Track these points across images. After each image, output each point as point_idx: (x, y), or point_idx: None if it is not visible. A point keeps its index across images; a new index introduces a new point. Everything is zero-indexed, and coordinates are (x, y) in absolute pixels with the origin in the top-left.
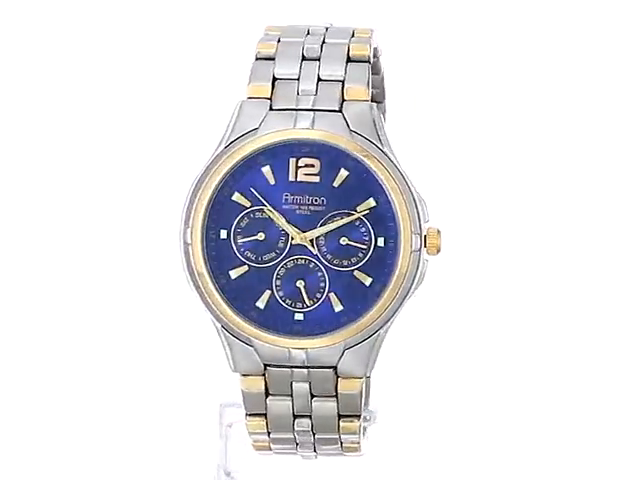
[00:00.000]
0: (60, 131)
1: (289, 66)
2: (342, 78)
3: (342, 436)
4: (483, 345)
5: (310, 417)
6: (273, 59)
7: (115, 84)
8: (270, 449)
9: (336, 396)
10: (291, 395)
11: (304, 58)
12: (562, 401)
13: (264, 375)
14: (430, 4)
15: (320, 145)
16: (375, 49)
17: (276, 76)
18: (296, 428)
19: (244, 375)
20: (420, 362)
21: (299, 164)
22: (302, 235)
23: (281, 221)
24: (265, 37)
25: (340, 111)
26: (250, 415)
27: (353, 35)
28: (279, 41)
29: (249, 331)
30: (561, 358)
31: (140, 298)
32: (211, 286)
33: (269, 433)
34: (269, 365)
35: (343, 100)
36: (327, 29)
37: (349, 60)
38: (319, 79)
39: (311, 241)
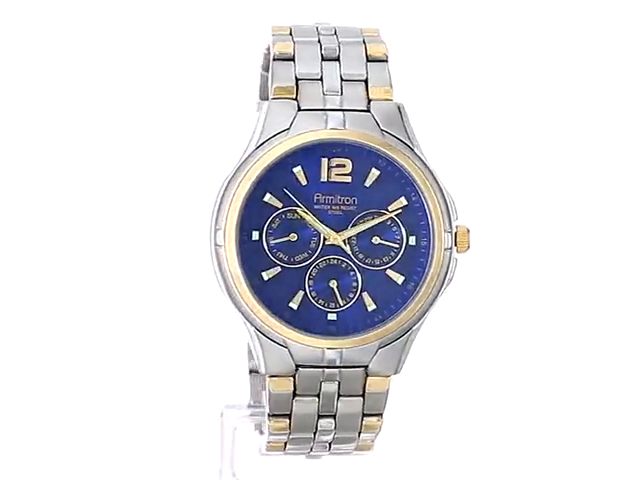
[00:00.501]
0: (64, 133)
1: (311, 66)
2: (364, 78)
3: (362, 434)
4: (495, 345)
5: (334, 416)
6: (292, 59)
7: (114, 85)
8: (284, 449)
9: (363, 395)
10: (318, 395)
11: (323, 58)
12: (580, 402)
13: (293, 376)
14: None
15: (351, 145)
16: None
17: (298, 77)
18: (319, 428)
19: (273, 376)
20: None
21: (331, 164)
22: (336, 235)
23: (314, 221)
24: (279, 37)
25: (368, 111)
26: (273, 416)
27: (362, 35)
28: (294, 41)
29: (284, 332)
30: (573, 357)
31: (144, 300)
32: (245, 288)
33: (289, 433)
34: (301, 366)
35: (369, 100)
36: (336, 29)
37: (368, 60)
38: (342, 79)
39: (344, 241)
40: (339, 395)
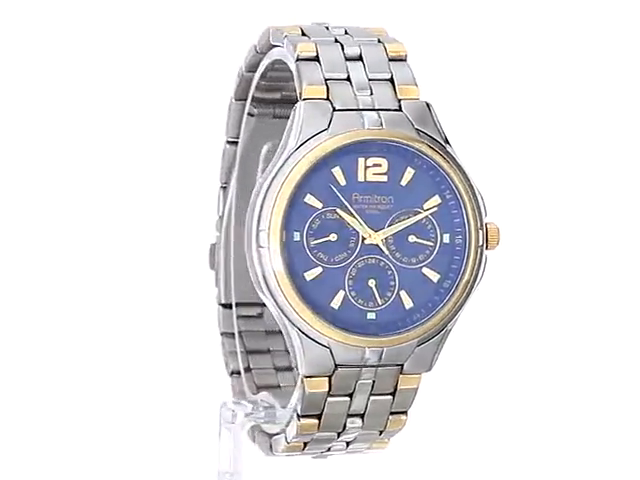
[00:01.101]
0: (51, 130)
1: (337, 66)
2: (389, 77)
3: (384, 432)
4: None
5: (362, 415)
6: (315, 60)
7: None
8: (302, 450)
9: (394, 392)
10: (351, 394)
11: (347, 58)
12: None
13: (329, 376)
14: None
15: (388, 144)
16: None
17: (326, 77)
18: (348, 427)
19: (309, 377)
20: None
21: (367, 164)
22: (375, 234)
23: (354, 221)
24: (296, 37)
25: (400, 110)
26: (304, 416)
27: (374, 35)
28: (313, 41)
29: (327, 332)
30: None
31: (140, 299)
32: (290, 289)
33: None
34: (340, 366)
35: (399, 99)
36: (346, 29)
37: (389, 59)
38: (369, 79)
39: (382, 240)
40: (371, 394)
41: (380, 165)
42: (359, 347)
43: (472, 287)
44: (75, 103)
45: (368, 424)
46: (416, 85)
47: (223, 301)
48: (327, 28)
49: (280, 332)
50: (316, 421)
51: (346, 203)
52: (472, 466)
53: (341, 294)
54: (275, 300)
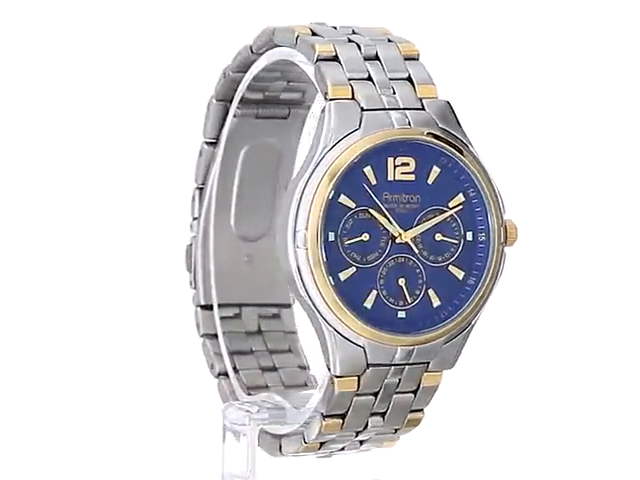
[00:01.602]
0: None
1: (357, 67)
2: (407, 76)
3: (400, 430)
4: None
5: (384, 414)
6: (335, 60)
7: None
8: (318, 449)
9: (416, 390)
10: (377, 393)
11: (365, 58)
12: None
13: (359, 375)
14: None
15: (415, 143)
16: None
17: (349, 77)
18: (369, 426)
19: (338, 376)
20: None
21: (396, 163)
22: (405, 233)
23: (386, 221)
24: (310, 38)
25: (424, 109)
26: (328, 416)
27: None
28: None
29: (362, 332)
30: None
31: (142, 299)
32: (328, 289)
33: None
34: (372, 365)
35: (420, 98)
36: (353, 29)
37: (404, 59)
38: (389, 79)
39: (412, 239)
40: (395, 392)
41: (408, 164)
42: (392, 346)
43: (494, 284)
44: (45, 99)
45: (388, 423)
46: (434, 84)
47: (203, 302)
48: (335, 28)
49: (259, 332)
50: (340, 421)
51: (378, 202)
52: (473, 465)
53: (374, 293)
54: (312, 300)
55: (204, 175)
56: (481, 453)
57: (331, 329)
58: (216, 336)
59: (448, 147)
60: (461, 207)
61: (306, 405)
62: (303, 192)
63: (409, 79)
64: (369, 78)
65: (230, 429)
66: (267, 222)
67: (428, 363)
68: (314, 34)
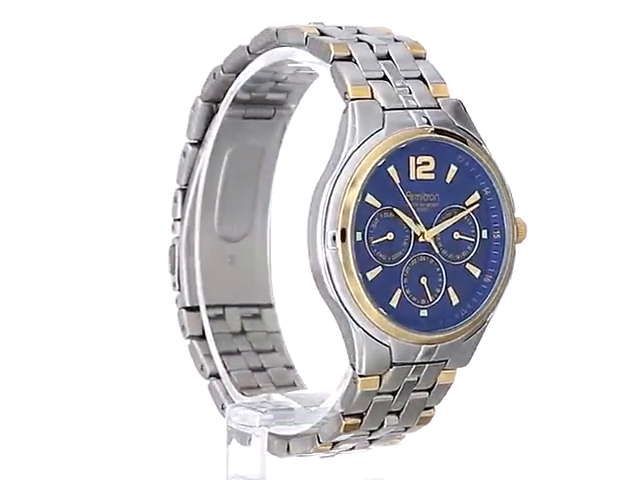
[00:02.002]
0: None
1: (373, 66)
2: (420, 75)
3: (411, 428)
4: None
5: (399, 412)
6: (350, 60)
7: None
8: (330, 449)
9: (431, 389)
10: (395, 392)
11: (378, 58)
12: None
13: (380, 374)
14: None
15: (435, 142)
16: None
17: (366, 76)
18: (385, 424)
19: (363, 376)
20: None
21: (417, 162)
22: (427, 232)
23: (408, 220)
24: (321, 38)
25: (440, 108)
26: (348, 416)
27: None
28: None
29: (390, 331)
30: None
31: (147, 300)
32: (358, 289)
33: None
34: (395, 364)
35: (435, 97)
36: (358, 28)
37: (414, 58)
38: (404, 78)
39: (433, 238)
40: (412, 390)
41: (428, 163)
42: (416, 345)
43: (508, 281)
44: (24, 98)
45: (402, 421)
46: (445, 82)
47: (188, 304)
48: (340, 27)
49: (243, 333)
50: (358, 420)
51: (402, 202)
52: (472, 464)
53: (398, 292)
54: (341, 300)
55: (188, 176)
56: (480, 452)
57: (359, 329)
58: (203, 337)
59: (466, 146)
60: (478, 205)
61: (320, 405)
62: (332, 192)
63: (421, 78)
64: (384, 77)
65: (236, 430)
66: (248, 222)
67: (446, 361)
68: (322, 34)
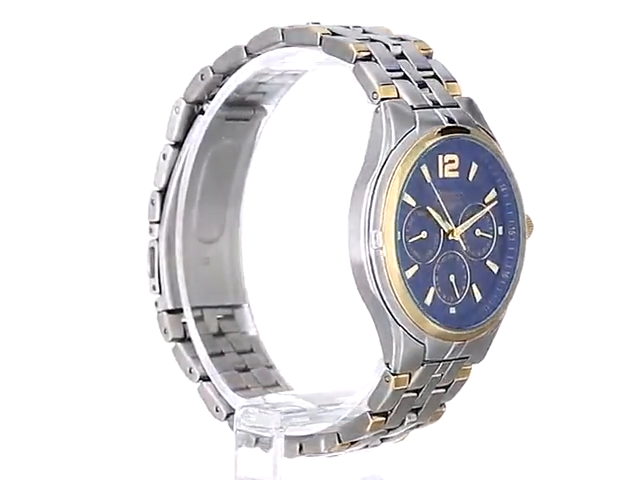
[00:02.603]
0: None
1: (393, 65)
2: (434, 74)
3: (426, 424)
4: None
5: (418, 410)
6: (370, 59)
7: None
8: (347, 448)
9: (449, 385)
10: (420, 390)
11: (395, 56)
12: None
13: (410, 372)
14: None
15: (459, 140)
16: None
17: (390, 76)
18: (406, 422)
19: (395, 374)
20: None
21: (444, 160)
22: (456, 230)
23: (439, 218)
24: (340, 38)
25: (458, 106)
26: (376, 414)
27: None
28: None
29: (427, 329)
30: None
31: (116, 304)
32: (402, 289)
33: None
34: (427, 362)
35: (452, 95)
36: (363, 28)
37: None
38: (422, 76)
39: (460, 235)
40: (434, 387)
41: (453, 161)
42: (448, 342)
43: (520, 276)
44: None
45: (419, 418)
46: (456, 81)
47: (170, 307)
48: (348, 27)
49: (222, 334)
50: (384, 419)
51: (434, 200)
52: (470, 461)
53: (432, 291)
54: (383, 299)
55: (167, 178)
56: (476, 449)
57: (399, 327)
58: (186, 340)
59: (487, 144)
60: (496, 202)
61: (340, 404)
62: (374, 192)
63: (435, 76)
64: (405, 76)
65: (248, 433)
66: (222, 223)
67: (467, 358)
68: (334, 34)
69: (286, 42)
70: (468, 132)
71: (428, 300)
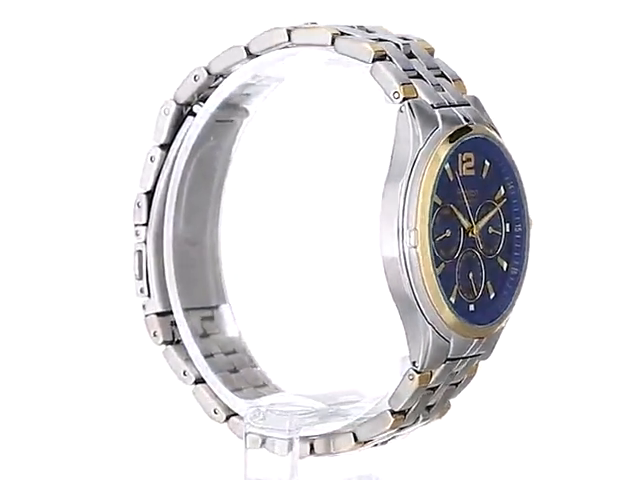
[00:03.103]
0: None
1: (408, 64)
2: (441, 73)
3: (432, 420)
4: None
5: (430, 407)
6: (385, 59)
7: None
8: (361, 447)
9: (459, 382)
10: (436, 388)
11: (407, 56)
12: None
13: (432, 370)
14: None
15: (476, 139)
16: None
17: (408, 75)
18: (420, 419)
19: (419, 372)
20: None
21: (463, 159)
22: (475, 227)
23: (461, 216)
24: (353, 37)
25: (469, 104)
26: (397, 413)
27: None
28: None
29: (454, 327)
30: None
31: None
32: (435, 288)
33: None
34: (449, 359)
35: (462, 94)
36: (366, 28)
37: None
38: (434, 75)
39: (478, 233)
40: (447, 385)
41: (470, 159)
42: (470, 339)
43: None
44: None
45: (430, 415)
46: (461, 79)
47: (160, 309)
48: (352, 27)
49: (207, 335)
50: (403, 417)
51: (457, 198)
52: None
53: (455, 288)
54: (416, 298)
55: (155, 180)
56: (473, 449)
57: (429, 326)
58: (177, 342)
59: (498, 141)
60: (505, 200)
61: (353, 404)
62: (406, 192)
63: (443, 75)
64: (419, 75)
65: (259, 434)
66: (203, 225)
67: (480, 355)
68: (342, 34)
69: (292, 42)
70: (482, 130)
71: (453, 298)
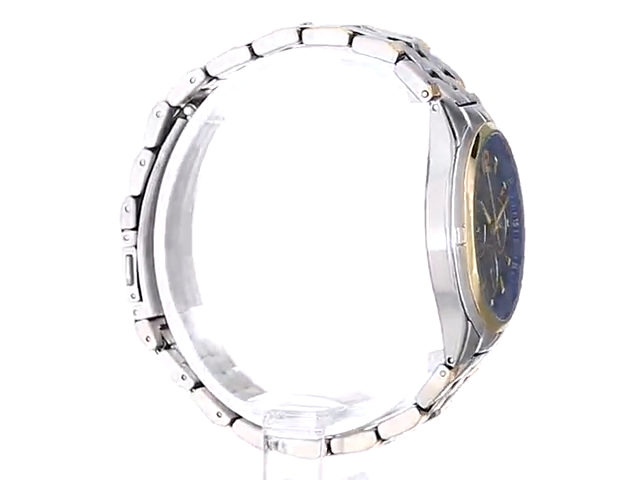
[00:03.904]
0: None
1: (425, 64)
2: (446, 71)
3: (437, 416)
4: None
5: (444, 402)
6: (405, 58)
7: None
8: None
9: (467, 377)
10: (456, 383)
11: (420, 55)
12: None
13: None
14: None
15: (492, 135)
16: None
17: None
18: (436, 415)
19: (451, 367)
20: None
21: (484, 155)
22: (495, 223)
23: (487, 212)
24: (370, 37)
25: (476, 102)
26: (424, 409)
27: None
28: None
29: (488, 321)
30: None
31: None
32: (476, 282)
33: None
34: (476, 354)
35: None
36: (369, 27)
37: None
38: (445, 73)
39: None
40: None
41: (487, 156)
42: (495, 334)
43: None
44: None
45: (439, 411)
46: (460, 78)
47: (151, 314)
48: (359, 26)
49: (191, 339)
50: (427, 413)
51: (484, 194)
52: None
53: (484, 284)
54: (460, 294)
55: (144, 184)
56: (463, 449)
57: (468, 321)
58: (168, 347)
59: (505, 137)
60: (508, 195)
61: (369, 401)
62: (451, 189)
63: (447, 73)
64: (434, 74)
65: (278, 437)
66: (186, 226)
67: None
68: (355, 34)
69: (303, 42)
70: (495, 127)
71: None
